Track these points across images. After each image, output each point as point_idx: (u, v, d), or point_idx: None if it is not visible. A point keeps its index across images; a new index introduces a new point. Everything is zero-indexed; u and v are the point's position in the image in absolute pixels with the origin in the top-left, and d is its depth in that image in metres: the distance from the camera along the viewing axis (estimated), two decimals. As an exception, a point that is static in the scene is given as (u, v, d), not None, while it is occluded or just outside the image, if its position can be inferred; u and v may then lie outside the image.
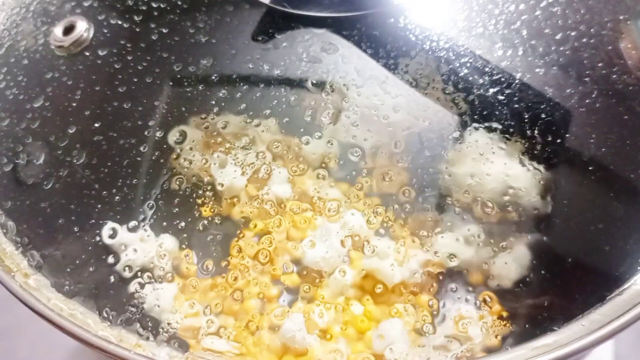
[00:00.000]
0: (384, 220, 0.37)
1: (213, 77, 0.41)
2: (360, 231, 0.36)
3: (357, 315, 0.35)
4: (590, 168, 0.38)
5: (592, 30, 0.42)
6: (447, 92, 0.39)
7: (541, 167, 0.38)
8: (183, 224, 0.37)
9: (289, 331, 0.34)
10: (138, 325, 0.35)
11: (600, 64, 0.41)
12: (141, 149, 0.39)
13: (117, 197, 0.38)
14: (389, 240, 0.36)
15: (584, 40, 0.41)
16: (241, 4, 0.43)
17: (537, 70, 0.40)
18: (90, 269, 0.37)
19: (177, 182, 0.38)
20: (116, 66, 0.42)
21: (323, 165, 0.38)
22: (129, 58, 0.42)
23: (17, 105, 0.42)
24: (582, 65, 0.41)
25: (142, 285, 0.36)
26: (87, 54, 0.43)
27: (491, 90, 0.39)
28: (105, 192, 0.38)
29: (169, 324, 0.35)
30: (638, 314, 0.33)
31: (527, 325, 0.34)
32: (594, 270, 0.36)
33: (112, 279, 0.36)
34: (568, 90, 0.40)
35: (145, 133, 0.40)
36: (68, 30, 0.43)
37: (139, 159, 0.39)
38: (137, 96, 0.41)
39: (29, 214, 0.39)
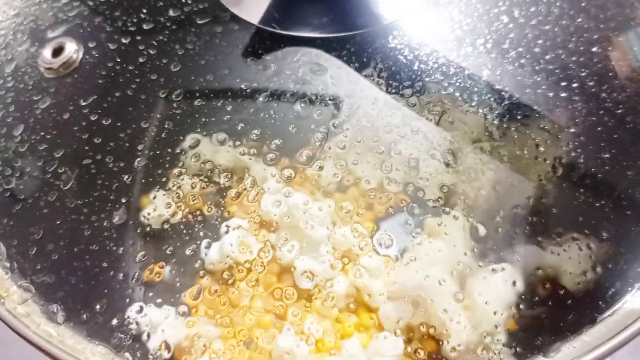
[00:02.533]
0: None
1: (202, 98, 0.41)
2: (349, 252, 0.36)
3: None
4: (580, 187, 0.38)
5: (581, 47, 0.42)
6: (435, 112, 0.39)
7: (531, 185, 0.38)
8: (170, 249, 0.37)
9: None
10: (127, 352, 0.35)
11: (590, 80, 0.41)
12: (131, 170, 0.39)
13: (106, 222, 0.38)
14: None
15: (574, 58, 0.41)
16: (230, 24, 0.43)
17: (527, 90, 0.40)
18: (82, 295, 0.36)
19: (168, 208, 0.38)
20: (106, 87, 0.42)
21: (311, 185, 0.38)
22: (119, 79, 0.42)
23: (6, 128, 0.42)
24: (572, 80, 0.41)
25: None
26: (77, 75, 0.43)
27: (480, 110, 0.39)
28: (94, 216, 0.38)
29: (159, 349, 0.35)
30: (629, 336, 0.34)
31: (517, 349, 0.34)
32: (584, 292, 0.36)
33: (103, 304, 0.36)
34: (557, 107, 0.40)
35: (136, 154, 0.40)
36: (57, 51, 0.43)
37: (128, 181, 0.39)
38: (126, 117, 0.41)
39: (18, 238, 0.38)
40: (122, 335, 0.35)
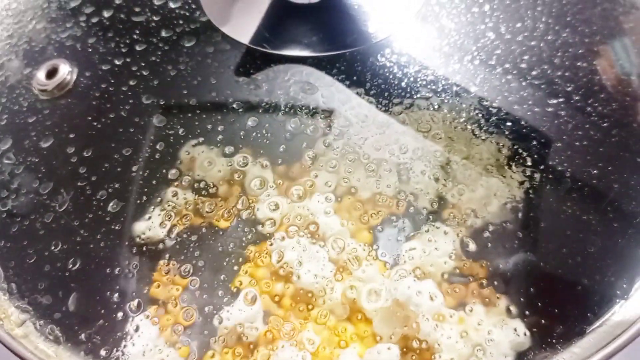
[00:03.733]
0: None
1: (194, 118, 0.41)
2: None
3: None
4: (567, 201, 0.38)
5: (566, 62, 0.43)
6: (424, 129, 0.40)
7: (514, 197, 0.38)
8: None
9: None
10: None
11: (575, 94, 0.41)
12: (126, 190, 0.40)
13: (102, 243, 0.38)
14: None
15: (559, 72, 0.42)
16: (221, 45, 0.43)
17: (514, 106, 0.41)
18: (79, 315, 0.37)
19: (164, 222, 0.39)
20: (100, 108, 0.42)
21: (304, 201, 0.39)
22: (112, 100, 0.42)
23: (1, 150, 0.42)
24: (558, 95, 0.41)
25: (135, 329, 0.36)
26: (71, 96, 0.43)
27: (469, 126, 0.40)
28: (90, 237, 0.38)
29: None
30: (617, 347, 0.34)
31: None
32: (573, 304, 0.36)
33: (100, 324, 0.37)
34: (544, 118, 0.40)
35: (130, 174, 0.40)
36: (51, 73, 0.43)
37: (123, 202, 0.39)
38: (120, 138, 0.41)
39: (15, 259, 0.39)
40: (120, 355, 0.35)
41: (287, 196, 0.39)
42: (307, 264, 0.37)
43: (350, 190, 0.38)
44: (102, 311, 0.37)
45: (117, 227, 0.38)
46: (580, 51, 0.43)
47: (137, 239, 0.38)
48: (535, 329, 0.35)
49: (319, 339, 0.35)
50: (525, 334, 0.35)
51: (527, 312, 0.36)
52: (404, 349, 0.35)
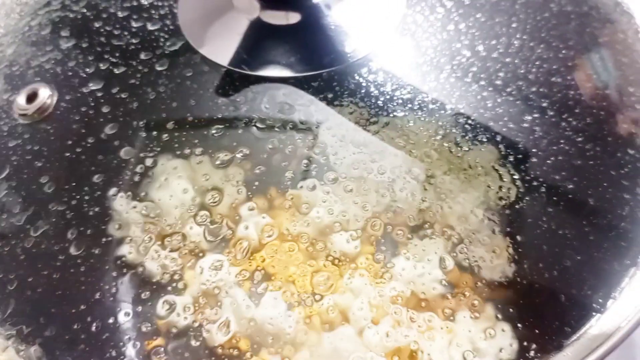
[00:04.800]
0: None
1: (175, 139, 0.41)
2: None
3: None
4: (543, 215, 0.39)
5: (541, 78, 0.43)
6: (402, 146, 0.40)
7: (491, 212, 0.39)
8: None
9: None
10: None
11: (550, 110, 0.42)
12: (106, 213, 0.40)
13: (83, 267, 0.38)
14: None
15: (534, 88, 0.43)
16: (200, 66, 0.44)
17: (490, 122, 0.41)
18: (62, 339, 0.37)
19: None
20: (80, 131, 0.42)
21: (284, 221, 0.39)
22: (93, 123, 0.43)
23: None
24: (534, 110, 0.42)
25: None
26: (51, 120, 0.43)
27: (445, 143, 0.41)
28: (71, 261, 0.39)
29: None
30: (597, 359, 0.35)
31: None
32: (550, 318, 0.37)
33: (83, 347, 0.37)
34: (521, 133, 0.41)
35: (111, 197, 0.40)
36: (31, 97, 0.44)
37: (103, 226, 0.39)
38: (101, 161, 0.41)
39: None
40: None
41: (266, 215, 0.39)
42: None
43: (328, 209, 0.39)
44: (83, 335, 0.37)
45: (97, 251, 0.39)
46: (554, 66, 0.44)
47: (119, 262, 0.38)
48: (512, 345, 0.36)
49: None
50: (502, 350, 0.36)
51: (504, 328, 0.36)
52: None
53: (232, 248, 0.38)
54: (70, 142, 0.42)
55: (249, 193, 0.40)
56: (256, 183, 0.40)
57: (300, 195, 0.39)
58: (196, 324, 0.37)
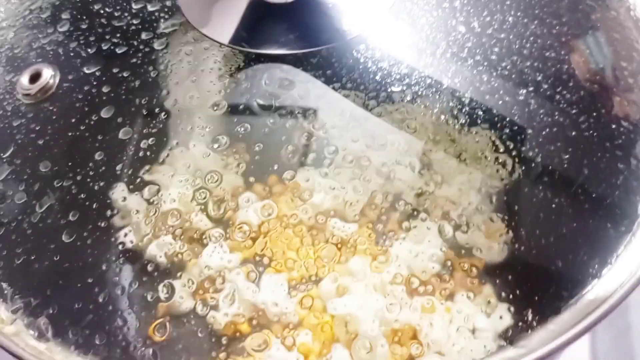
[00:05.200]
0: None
1: (176, 117, 0.42)
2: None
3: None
4: (539, 185, 0.40)
5: (535, 53, 0.44)
6: (399, 120, 0.41)
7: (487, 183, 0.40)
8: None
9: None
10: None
11: (545, 83, 0.43)
12: (110, 188, 0.40)
13: (89, 240, 0.39)
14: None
15: (529, 63, 0.44)
16: (201, 44, 0.44)
17: (486, 96, 0.42)
18: (69, 311, 0.38)
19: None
20: (83, 110, 0.43)
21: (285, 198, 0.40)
22: (95, 102, 0.43)
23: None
24: (528, 84, 0.43)
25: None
26: (54, 100, 0.44)
27: (442, 116, 0.41)
28: (76, 235, 0.39)
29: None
30: (590, 323, 0.36)
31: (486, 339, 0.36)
32: (548, 284, 0.38)
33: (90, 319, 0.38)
34: (516, 108, 0.42)
35: (116, 173, 0.41)
36: (34, 78, 0.44)
37: (108, 201, 0.40)
38: (104, 138, 0.42)
39: (4, 260, 0.40)
40: (111, 347, 0.36)
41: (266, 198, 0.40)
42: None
43: (329, 184, 0.40)
44: (91, 306, 0.38)
45: (103, 225, 0.39)
46: (548, 42, 0.45)
47: (123, 237, 0.39)
48: (512, 310, 0.37)
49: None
50: (502, 317, 0.37)
51: (502, 294, 0.37)
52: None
53: (232, 232, 0.39)
54: (73, 121, 0.43)
55: (250, 176, 0.40)
56: (256, 164, 0.41)
57: (299, 176, 0.40)
58: (198, 307, 0.37)
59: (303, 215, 0.39)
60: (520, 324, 0.37)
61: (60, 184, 0.41)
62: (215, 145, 0.41)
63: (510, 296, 0.37)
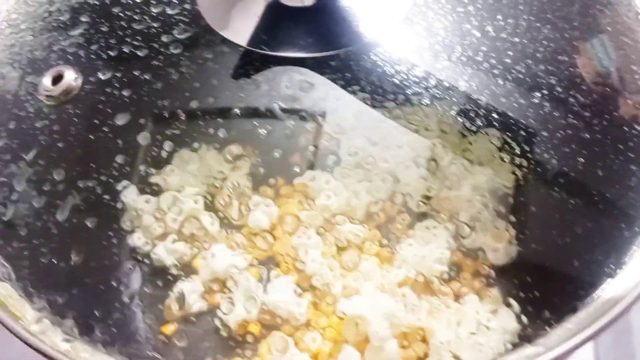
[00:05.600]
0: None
1: (198, 119, 0.43)
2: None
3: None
4: (554, 186, 0.41)
5: (548, 56, 0.45)
6: (416, 122, 0.42)
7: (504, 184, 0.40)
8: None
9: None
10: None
11: (558, 86, 0.44)
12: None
13: (114, 239, 0.40)
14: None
15: (542, 66, 0.44)
16: (221, 47, 0.45)
17: (501, 98, 0.43)
18: (94, 309, 0.38)
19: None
20: (106, 112, 0.44)
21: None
22: (117, 104, 0.44)
23: (10, 154, 0.44)
24: (542, 87, 0.44)
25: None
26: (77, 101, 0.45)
27: (459, 118, 0.42)
28: (100, 234, 0.40)
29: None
30: (608, 322, 0.36)
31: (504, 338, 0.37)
32: (564, 284, 0.39)
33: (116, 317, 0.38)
34: (530, 110, 0.43)
35: (138, 173, 0.42)
36: (57, 79, 0.45)
37: (131, 202, 0.41)
38: (127, 138, 0.43)
39: (29, 259, 0.40)
40: (137, 345, 0.37)
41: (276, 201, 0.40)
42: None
43: (347, 186, 0.40)
44: (117, 304, 0.38)
45: (126, 225, 0.40)
46: (561, 45, 0.46)
47: (136, 239, 0.40)
48: (529, 309, 0.38)
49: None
50: (520, 315, 0.37)
51: (520, 294, 0.38)
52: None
53: (243, 234, 0.40)
54: (96, 122, 0.43)
55: (262, 178, 0.41)
56: (270, 166, 0.41)
57: (312, 178, 0.41)
58: (208, 310, 0.38)
59: (313, 216, 0.40)
60: (537, 322, 0.37)
61: (84, 184, 0.41)
62: (232, 148, 0.42)
63: (526, 296, 0.38)
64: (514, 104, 0.43)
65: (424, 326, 0.37)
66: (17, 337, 0.37)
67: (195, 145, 0.42)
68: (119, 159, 0.42)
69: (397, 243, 0.39)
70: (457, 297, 0.38)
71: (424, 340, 0.37)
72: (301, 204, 0.40)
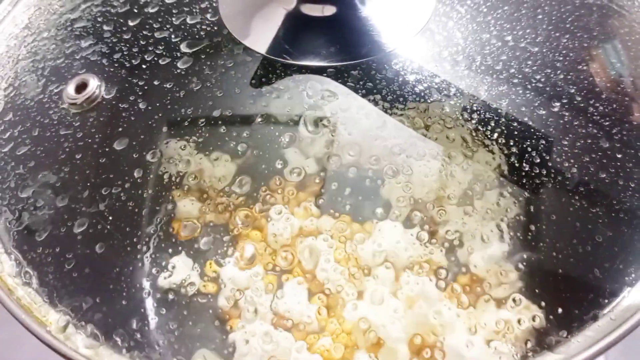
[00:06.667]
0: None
1: (222, 127, 0.43)
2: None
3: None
4: (575, 195, 0.41)
5: (567, 65, 0.45)
6: (438, 130, 0.42)
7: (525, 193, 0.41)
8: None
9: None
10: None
11: (578, 95, 0.44)
12: (158, 195, 0.42)
13: (139, 245, 0.40)
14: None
15: (562, 75, 0.45)
16: (242, 56, 0.45)
17: (522, 108, 0.43)
18: (118, 315, 0.39)
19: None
20: (129, 120, 0.44)
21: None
22: (141, 112, 0.44)
23: (34, 161, 0.44)
24: (562, 97, 0.44)
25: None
26: (100, 110, 0.45)
27: (480, 127, 0.42)
28: (125, 240, 0.40)
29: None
30: (627, 329, 0.37)
31: (527, 345, 0.37)
32: (584, 292, 0.39)
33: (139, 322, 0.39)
34: (550, 119, 0.43)
35: (162, 180, 0.42)
36: (80, 88, 0.45)
37: (157, 206, 0.41)
38: (150, 147, 0.43)
39: (54, 265, 0.41)
40: (162, 351, 0.37)
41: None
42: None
43: (369, 195, 0.41)
44: (142, 309, 0.39)
45: (152, 230, 0.40)
46: (580, 55, 0.46)
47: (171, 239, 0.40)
48: (550, 317, 0.38)
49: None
50: (540, 323, 0.38)
51: (542, 302, 0.38)
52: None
53: (259, 242, 0.40)
54: (120, 129, 0.44)
55: (281, 186, 0.41)
56: (291, 175, 0.42)
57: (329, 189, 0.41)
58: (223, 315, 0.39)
59: (325, 225, 0.40)
60: (558, 330, 0.37)
61: (108, 191, 0.42)
62: (251, 154, 0.42)
63: (547, 303, 0.38)
64: (534, 113, 0.43)
65: (442, 332, 0.38)
66: (42, 341, 0.37)
67: (217, 153, 0.42)
68: (142, 166, 0.42)
69: (415, 251, 0.40)
70: (476, 303, 0.38)
71: (434, 346, 0.37)
72: (309, 210, 0.40)
